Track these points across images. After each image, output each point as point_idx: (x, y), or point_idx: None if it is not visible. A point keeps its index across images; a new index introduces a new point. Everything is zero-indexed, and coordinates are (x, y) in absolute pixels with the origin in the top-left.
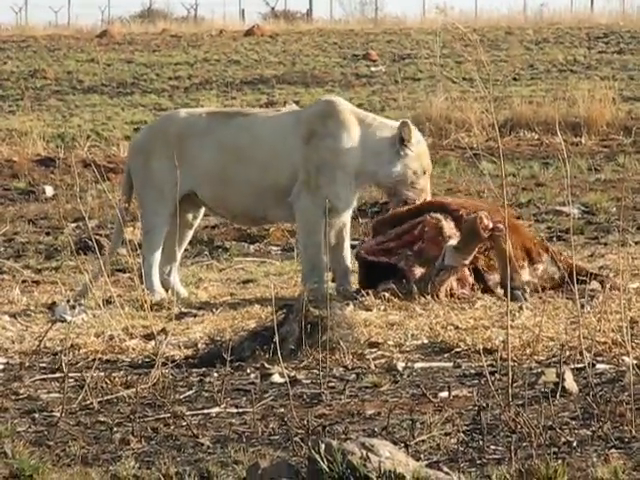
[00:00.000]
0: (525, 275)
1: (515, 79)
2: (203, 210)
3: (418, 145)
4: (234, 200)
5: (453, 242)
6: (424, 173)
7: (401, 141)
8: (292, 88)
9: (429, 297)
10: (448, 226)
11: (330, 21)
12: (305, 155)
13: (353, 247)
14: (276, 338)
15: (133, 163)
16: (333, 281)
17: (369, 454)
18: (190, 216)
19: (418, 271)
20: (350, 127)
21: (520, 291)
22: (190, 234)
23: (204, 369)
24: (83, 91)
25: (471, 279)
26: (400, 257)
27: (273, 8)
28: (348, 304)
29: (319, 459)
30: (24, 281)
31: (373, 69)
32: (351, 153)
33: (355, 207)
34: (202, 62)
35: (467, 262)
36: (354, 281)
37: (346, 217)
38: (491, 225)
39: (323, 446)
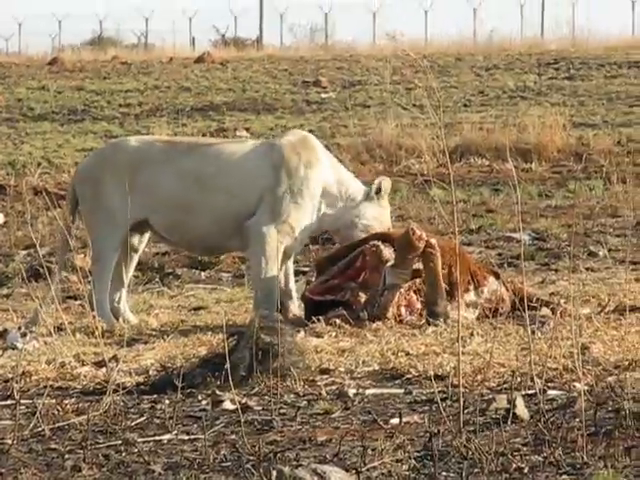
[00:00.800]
0: (470, 296)
1: (465, 105)
2: (148, 235)
3: (387, 205)
4: (193, 229)
5: (391, 262)
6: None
7: (378, 191)
8: (242, 115)
9: (380, 323)
10: (387, 251)
11: (280, 48)
12: (275, 180)
13: (303, 273)
14: (227, 365)
15: (80, 189)
16: (281, 310)
17: None
18: (136, 240)
19: (364, 298)
20: (324, 162)
21: (441, 318)
22: (136, 259)
23: (155, 396)
24: (34, 118)
25: (419, 305)
26: (345, 291)
27: (223, 35)
28: (299, 331)
29: None
30: None
31: (323, 96)
32: (322, 187)
33: (306, 242)
34: (152, 89)
35: (407, 277)
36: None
37: (297, 249)
38: (425, 236)
39: (275, 473)
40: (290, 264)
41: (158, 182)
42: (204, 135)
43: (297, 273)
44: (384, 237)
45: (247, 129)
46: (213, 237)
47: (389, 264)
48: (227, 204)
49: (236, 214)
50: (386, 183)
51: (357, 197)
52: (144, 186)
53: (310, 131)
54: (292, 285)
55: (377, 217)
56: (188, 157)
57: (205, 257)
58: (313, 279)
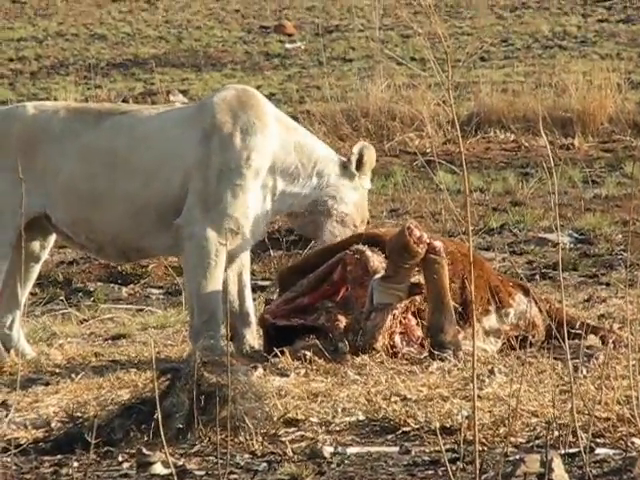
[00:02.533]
0: (492, 321)
1: (483, 59)
2: (53, 238)
3: (368, 188)
4: (101, 225)
5: (380, 274)
6: (360, 223)
7: (358, 166)
8: (178, 72)
9: (366, 357)
10: (376, 258)
11: None
12: (203, 155)
13: (262, 288)
14: (158, 414)
15: None
16: (232, 339)
17: None
18: (37, 246)
19: (344, 323)
20: (271, 124)
21: (449, 350)
22: (37, 270)
23: (60, 457)
24: None
25: (419, 332)
26: (319, 314)
27: None
28: (256, 367)
29: None
30: None
31: (289, 46)
32: (271, 158)
33: (264, 236)
34: (55, 37)
35: (403, 293)
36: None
37: (247, 252)
38: (425, 238)
39: None
40: (246, 276)
41: (58, 164)
42: (125, 101)
43: (254, 289)
44: (371, 239)
45: (184, 92)
46: (128, 236)
47: (378, 276)
48: (143, 190)
49: (157, 205)
50: (369, 152)
51: (328, 171)
52: (41, 170)
53: (271, 95)
54: (249, 305)
55: (359, 203)
56: (94, 130)
57: (122, 264)
58: (274, 296)
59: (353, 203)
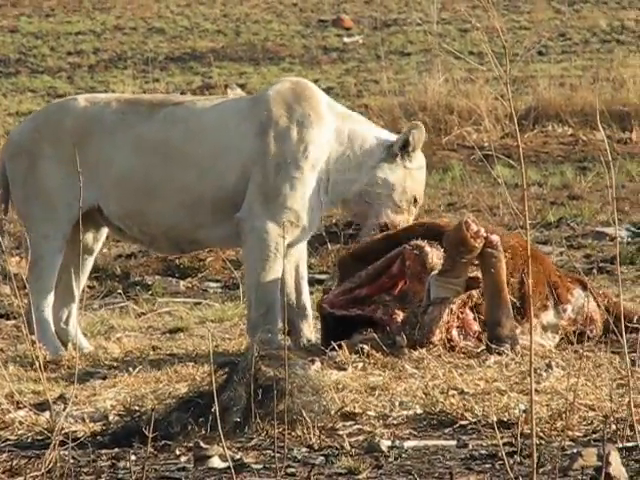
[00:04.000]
0: (550, 317)
1: (541, 53)
2: (106, 230)
3: (420, 167)
4: (155, 217)
5: (438, 269)
6: (415, 202)
7: (404, 146)
8: (236, 66)
9: (423, 351)
10: (435, 253)
11: None
12: (260, 149)
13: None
14: (215, 407)
15: (11, 167)
16: (289, 333)
17: None
18: (90, 238)
19: (401, 316)
20: (326, 115)
21: (506, 344)
22: (91, 264)
23: (117, 450)
24: None
25: (476, 326)
26: (376, 306)
27: None
28: (313, 361)
29: None
30: None
31: (347, 40)
32: (327, 149)
33: (321, 229)
34: (113, 31)
35: (460, 288)
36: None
37: (302, 245)
38: (483, 232)
39: None
40: (303, 268)
41: (110, 156)
42: (182, 94)
43: (311, 282)
44: (431, 231)
45: (242, 86)
46: (182, 229)
47: (435, 272)
48: (199, 183)
49: (212, 197)
50: (418, 133)
51: (375, 155)
52: (93, 162)
53: (328, 89)
54: (306, 297)
55: (400, 183)
56: (147, 121)
57: (183, 258)
58: (334, 285)
59: (393, 184)
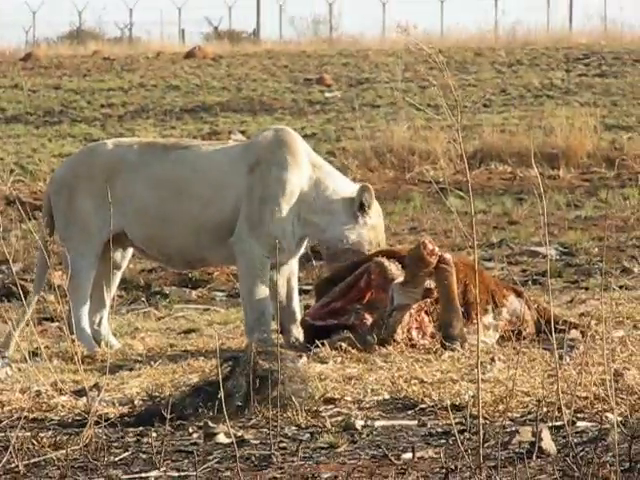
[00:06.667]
0: (489, 318)
1: (486, 105)
2: (131, 250)
3: (377, 217)
4: (169, 240)
5: (399, 280)
6: (378, 246)
7: (360, 207)
8: (237, 116)
9: (390, 348)
10: (394, 267)
11: (280, 42)
12: (249, 185)
13: (306, 292)
14: (221, 394)
15: (55, 200)
16: (281, 333)
17: None
18: (118, 256)
19: (370, 320)
20: (301, 160)
21: (457, 342)
22: (119, 277)
23: (141, 428)
24: (6, 120)
25: (431, 327)
26: (349, 315)
27: (216, 28)
28: (301, 356)
29: None
30: None
31: (328, 95)
32: (299, 188)
33: (308, 248)
34: (138, 87)
35: (417, 296)
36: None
37: (293, 261)
38: (437, 250)
39: None
40: (294, 281)
41: (132, 190)
42: (194, 138)
43: (300, 292)
44: (389, 253)
45: (243, 132)
46: (191, 249)
47: (397, 281)
48: (202, 213)
49: (213, 224)
50: (367, 194)
51: (339, 211)
52: (119, 195)
53: (312, 134)
54: (295, 304)
55: (364, 239)
56: (162, 161)
57: (195, 273)
58: (313, 303)
59: (359, 241)
